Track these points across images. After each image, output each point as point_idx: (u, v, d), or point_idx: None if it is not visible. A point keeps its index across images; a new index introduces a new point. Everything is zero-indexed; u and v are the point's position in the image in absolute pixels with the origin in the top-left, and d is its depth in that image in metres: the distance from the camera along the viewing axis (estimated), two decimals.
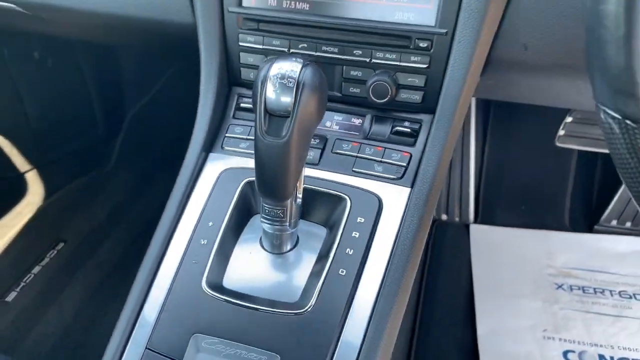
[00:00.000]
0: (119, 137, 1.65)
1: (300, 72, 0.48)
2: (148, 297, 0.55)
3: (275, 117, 0.49)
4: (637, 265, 1.30)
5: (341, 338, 0.51)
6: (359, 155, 0.64)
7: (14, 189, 1.48)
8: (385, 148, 0.65)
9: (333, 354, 0.50)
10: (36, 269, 1.34)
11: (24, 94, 1.41)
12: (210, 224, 0.59)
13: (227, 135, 0.68)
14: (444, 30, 0.60)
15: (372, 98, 0.64)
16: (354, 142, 0.66)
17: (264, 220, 0.54)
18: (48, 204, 1.50)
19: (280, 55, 0.57)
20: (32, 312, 1.24)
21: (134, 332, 0.54)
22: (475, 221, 1.47)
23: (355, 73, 0.65)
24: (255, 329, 0.51)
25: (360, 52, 0.64)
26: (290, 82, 0.47)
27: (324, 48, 0.65)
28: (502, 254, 1.37)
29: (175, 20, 0.73)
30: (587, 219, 1.45)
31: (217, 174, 0.64)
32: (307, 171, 0.63)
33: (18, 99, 1.41)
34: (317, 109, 0.50)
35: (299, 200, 0.55)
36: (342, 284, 0.53)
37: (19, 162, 1.48)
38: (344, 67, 0.65)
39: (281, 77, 0.48)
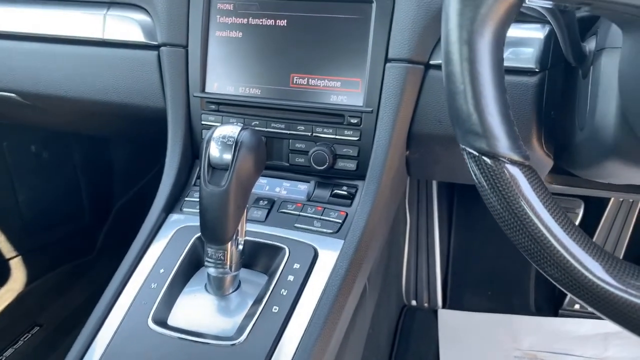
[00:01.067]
0: (105, 226, 1.73)
1: (238, 134, 0.58)
2: (95, 339, 0.61)
3: (217, 170, 0.58)
4: (600, 347, 1.33)
5: None
6: (301, 214, 0.73)
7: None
8: (325, 208, 0.73)
9: None
10: (9, 352, 1.35)
11: (16, 183, 1.52)
12: (162, 270, 0.66)
13: (186, 199, 0.77)
14: (370, 109, 0.72)
15: (314, 165, 0.74)
16: (298, 203, 0.75)
17: (208, 264, 0.61)
18: (28, 289, 1.55)
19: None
20: None
21: None
22: (444, 306, 1.51)
23: (300, 145, 0.76)
24: (191, 358, 0.56)
25: (303, 127, 0.75)
26: (230, 141, 0.58)
27: (272, 125, 0.76)
28: (469, 339, 1.39)
29: (150, 105, 0.85)
30: (551, 303, 1.49)
31: (173, 231, 0.72)
32: (254, 227, 0.71)
33: (11, 187, 1.51)
34: (253, 163, 0.59)
35: (240, 247, 0.62)
36: (274, 320, 0.59)
37: (6, 248, 1.55)
38: (290, 140, 0.76)
39: (222, 137, 0.58)
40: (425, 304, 1.52)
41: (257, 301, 0.62)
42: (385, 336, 1.33)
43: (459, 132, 0.46)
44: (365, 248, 0.68)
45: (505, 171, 0.45)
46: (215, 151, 0.58)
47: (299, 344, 0.58)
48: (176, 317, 0.62)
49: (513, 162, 0.45)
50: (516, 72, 0.67)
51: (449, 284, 1.54)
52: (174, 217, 0.75)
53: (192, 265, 0.68)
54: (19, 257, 1.58)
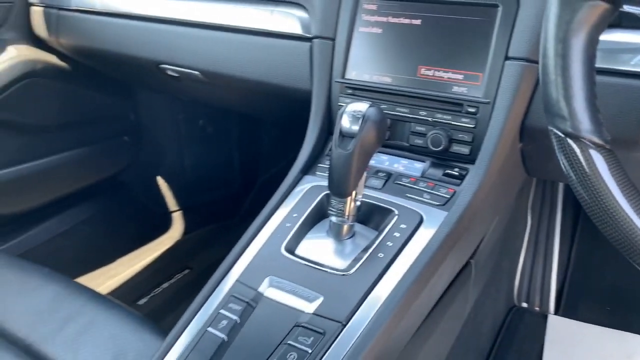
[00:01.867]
0: (250, 195, 2.00)
1: (366, 110, 0.72)
2: (241, 257, 0.79)
3: (346, 137, 0.72)
4: None
5: (368, 297, 0.69)
6: (413, 186, 0.84)
7: (162, 223, 1.85)
8: (436, 184, 0.84)
9: (360, 304, 0.68)
10: (165, 285, 1.65)
11: (185, 150, 1.83)
12: (295, 215, 0.82)
13: (319, 164, 0.93)
14: (487, 100, 0.81)
15: (430, 147, 0.85)
16: (412, 177, 0.86)
17: (331, 213, 0.76)
18: (184, 239, 1.85)
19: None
20: (157, 315, 1.53)
21: (230, 271, 0.77)
22: (556, 313, 1.51)
23: (420, 128, 0.87)
24: (311, 278, 0.72)
25: (424, 113, 0.87)
26: (358, 115, 0.71)
27: (398, 109, 0.89)
28: (578, 349, 1.38)
29: (299, 87, 1.02)
30: None
31: (307, 187, 0.88)
32: (372, 192, 0.84)
33: (180, 153, 1.83)
34: (375, 134, 0.72)
35: (358, 202, 0.76)
36: (379, 263, 0.72)
37: (171, 202, 1.87)
38: (412, 123, 0.88)
39: (353, 111, 0.72)
40: (537, 308, 1.53)
41: (367, 248, 0.76)
42: (489, 329, 1.38)
43: (548, 117, 0.55)
44: (467, 223, 0.78)
45: (587, 153, 0.51)
46: (346, 122, 0.72)
47: (396, 285, 0.70)
48: (302, 249, 0.78)
49: (595, 145, 0.51)
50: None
51: (565, 292, 1.53)
52: (308, 177, 0.91)
53: (318, 215, 0.83)
54: (180, 211, 1.89)
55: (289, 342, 0.64)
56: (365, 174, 0.76)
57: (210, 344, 0.68)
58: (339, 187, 0.73)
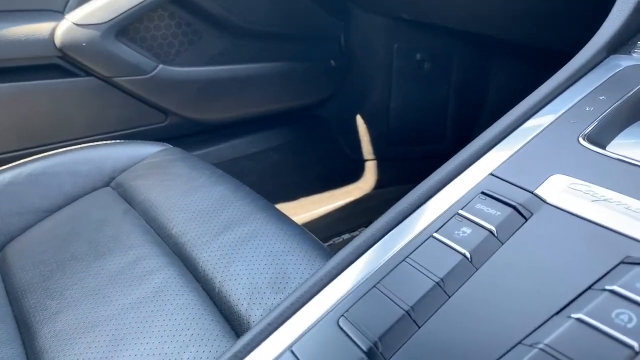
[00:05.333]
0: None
1: None
2: (508, 136, 0.45)
3: None
4: None
5: None
6: None
7: (353, 170, 1.61)
8: None
9: None
10: (346, 236, 1.41)
11: (393, 88, 1.54)
12: (602, 97, 0.46)
13: None
14: None
15: None
16: None
17: None
18: (373, 194, 1.58)
19: None
20: None
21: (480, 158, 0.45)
22: None
23: None
24: None
25: None
26: None
27: None
28: None
29: None
30: None
31: (616, 69, 0.51)
32: None
33: (388, 91, 1.55)
34: None
35: None
36: None
37: (367, 149, 1.61)
38: None
39: None
40: None
41: None
42: None
43: None
44: None
45: None
46: None
47: None
48: (621, 148, 0.41)
49: None
50: None
51: None
52: (617, 58, 0.54)
53: None
54: (375, 161, 1.63)
55: (612, 287, 0.29)
56: None
57: (447, 261, 0.36)
58: None
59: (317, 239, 0.73)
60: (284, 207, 1.47)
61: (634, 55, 0.53)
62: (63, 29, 1.05)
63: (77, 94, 1.12)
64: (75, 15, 1.07)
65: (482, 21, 1.11)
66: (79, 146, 0.98)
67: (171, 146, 1.02)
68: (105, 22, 1.07)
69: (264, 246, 0.69)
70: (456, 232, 0.35)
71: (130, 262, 0.73)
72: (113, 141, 1.01)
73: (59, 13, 1.09)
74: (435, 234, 0.36)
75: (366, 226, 1.38)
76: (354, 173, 1.61)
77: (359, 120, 1.59)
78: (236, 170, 1.38)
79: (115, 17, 1.08)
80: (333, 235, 1.40)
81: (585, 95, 0.47)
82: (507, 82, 1.55)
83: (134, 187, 0.91)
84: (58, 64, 1.09)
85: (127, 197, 0.90)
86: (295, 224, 0.75)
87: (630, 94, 0.45)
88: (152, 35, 1.18)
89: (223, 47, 1.28)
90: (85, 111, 1.14)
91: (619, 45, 0.55)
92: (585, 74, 0.52)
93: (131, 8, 1.09)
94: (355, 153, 1.61)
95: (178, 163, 0.94)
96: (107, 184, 0.96)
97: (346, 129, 1.59)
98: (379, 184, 1.62)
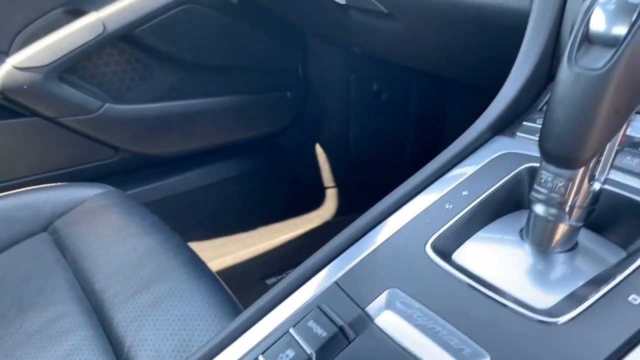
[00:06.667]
0: None
1: None
2: (359, 241, 0.47)
3: (595, 45, 0.35)
4: None
5: None
6: None
7: (313, 198, 1.62)
8: None
9: None
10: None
11: (352, 119, 1.55)
12: (465, 193, 0.46)
13: (525, 123, 0.55)
14: None
15: None
16: None
17: (536, 195, 0.39)
18: (335, 221, 1.59)
19: None
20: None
21: (328, 265, 0.46)
22: None
23: None
24: (473, 314, 0.36)
25: None
26: (630, 7, 0.34)
27: None
28: None
29: (511, 6, 0.65)
30: None
31: (495, 155, 0.52)
32: (622, 178, 0.44)
33: (347, 121, 1.55)
34: None
35: (596, 186, 0.38)
36: (625, 317, 0.33)
37: (327, 176, 1.62)
38: None
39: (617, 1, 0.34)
40: None
41: (598, 280, 0.37)
42: None
43: None
44: None
45: None
46: (599, 18, 0.35)
47: None
48: (463, 255, 0.42)
49: None
50: None
51: None
52: (501, 139, 0.54)
53: (507, 202, 0.47)
54: (335, 188, 1.63)
55: None
56: (618, 139, 0.37)
57: None
58: (564, 142, 0.36)
59: (232, 296, 0.74)
60: (243, 237, 1.48)
61: (517, 136, 0.54)
62: (3, 72, 1.05)
63: (21, 133, 1.13)
64: (17, 58, 1.07)
65: (424, 63, 1.12)
66: (17, 190, 0.99)
67: (112, 188, 1.02)
68: (47, 65, 1.07)
69: (175, 309, 0.69)
70: (280, 356, 0.36)
71: (49, 321, 0.74)
72: (54, 184, 1.01)
73: (3, 54, 1.09)
74: (260, 358, 0.37)
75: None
76: (314, 201, 1.61)
77: (318, 148, 1.60)
78: (189, 203, 1.39)
79: (58, 59, 1.08)
80: (288, 267, 1.41)
81: (450, 190, 0.47)
82: (464, 108, 1.56)
83: (68, 234, 0.91)
84: (1, 104, 1.09)
85: (61, 245, 0.91)
86: (214, 280, 0.76)
87: (491, 190, 0.46)
88: (101, 72, 1.19)
89: (175, 81, 1.28)
90: (29, 151, 1.14)
91: (504, 125, 0.56)
92: (467, 156, 0.52)
93: (75, 49, 1.10)
94: (315, 181, 1.61)
95: (113, 209, 0.95)
96: (44, 229, 0.96)
97: (305, 157, 1.60)
98: (340, 211, 1.62)
